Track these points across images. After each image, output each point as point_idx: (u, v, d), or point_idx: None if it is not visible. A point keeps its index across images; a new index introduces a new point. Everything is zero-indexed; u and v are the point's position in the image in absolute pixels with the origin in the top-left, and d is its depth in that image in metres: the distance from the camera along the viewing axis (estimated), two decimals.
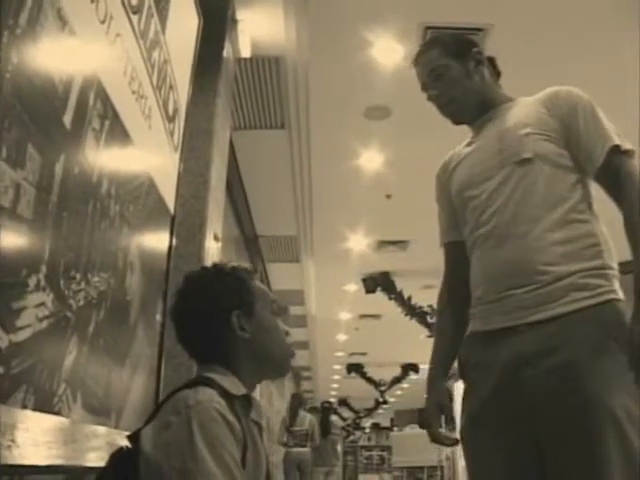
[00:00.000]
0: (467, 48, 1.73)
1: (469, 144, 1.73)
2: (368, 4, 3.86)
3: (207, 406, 1.18)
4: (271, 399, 10.23)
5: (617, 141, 1.50)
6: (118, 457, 1.24)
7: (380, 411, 21.92)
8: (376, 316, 11.14)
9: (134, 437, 1.23)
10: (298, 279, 8.70)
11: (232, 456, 1.16)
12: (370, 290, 8.94)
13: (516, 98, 1.71)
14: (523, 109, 1.64)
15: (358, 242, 7.72)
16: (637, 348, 1.29)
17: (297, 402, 8.40)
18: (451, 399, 1.67)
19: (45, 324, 1.37)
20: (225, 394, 1.25)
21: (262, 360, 1.40)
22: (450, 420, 1.64)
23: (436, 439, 1.65)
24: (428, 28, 3.98)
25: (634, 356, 1.29)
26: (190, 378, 1.35)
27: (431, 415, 1.65)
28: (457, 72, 1.69)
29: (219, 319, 1.36)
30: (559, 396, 1.38)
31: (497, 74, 1.78)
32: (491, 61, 1.78)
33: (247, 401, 1.33)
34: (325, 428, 8.71)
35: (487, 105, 1.70)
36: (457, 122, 1.76)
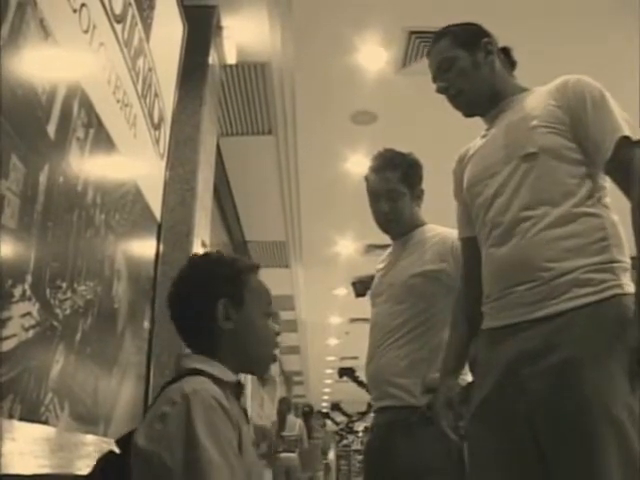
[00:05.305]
0: (477, 38, 1.69)
1: (483, 136, 1.68)
2: (353, 10, 3.87)
3: (204, 394, 1.16)
4: (262, 404, 10.20)
5: (627, 132, 1.43)
6: (105, 461, 1.23)
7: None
8: (366, 320, 10.97)
9: (122, 441, 1.22)
10: (288, 284, 8.70)
11: (230, 444, 1.15)
12: (360, 294, 8.91)
13: (530, 88, 1.65)
14: (532, 101, 1.58)
15: (347, 246, 7.73)
16: (636, 355, 1.25)
17: (285, 407, 8.23)
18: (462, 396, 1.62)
19: (31, 333, 1.37)
20: (216, 381, 1.24)
21: (242, 354, 1.35)
22: (458, 417, 1.61)
23: (443, 435, 1.64)
24: (412, 33, 4.00)
25: (632, 363, 1.26)
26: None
27: (439, 411, 1.64)
28: (465, 63, 1.65)
29: (204, 304, 1.33)
30: (558, 394, 1.35)
31: (512, 64, 1.73)
32: (505, 51, 1.73)
33: (238, 387, 1.32)
34: (307, 433, 8.59)
35: (498, 96, 1.65)
36: (468, 114, 1.71)
